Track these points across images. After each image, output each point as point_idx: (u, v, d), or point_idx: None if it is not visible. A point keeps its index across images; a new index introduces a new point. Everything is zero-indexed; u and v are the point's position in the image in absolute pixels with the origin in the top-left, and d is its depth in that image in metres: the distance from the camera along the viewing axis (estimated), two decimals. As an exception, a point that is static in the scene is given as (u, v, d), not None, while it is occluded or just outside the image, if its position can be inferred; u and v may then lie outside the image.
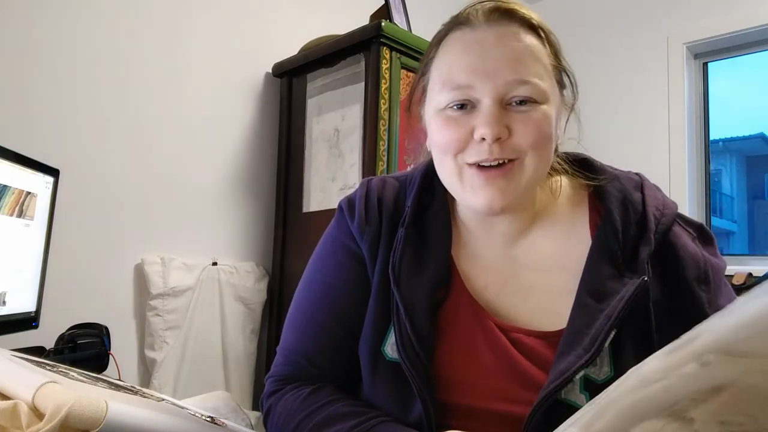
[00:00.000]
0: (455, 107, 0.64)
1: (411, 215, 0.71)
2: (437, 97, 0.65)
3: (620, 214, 0.66)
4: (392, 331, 0.66)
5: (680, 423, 0.35)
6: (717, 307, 0.63)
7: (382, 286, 0.69)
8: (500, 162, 0.62)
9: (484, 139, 0.61)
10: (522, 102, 0.62)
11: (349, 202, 0.75)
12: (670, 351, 0.36)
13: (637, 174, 0.72)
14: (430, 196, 0.74)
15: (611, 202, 0.67)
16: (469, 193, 0.65)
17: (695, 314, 0.63)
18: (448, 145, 0.64)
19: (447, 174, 0.67)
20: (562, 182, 0.73)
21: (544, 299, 0.67)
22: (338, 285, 0.73)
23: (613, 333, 0.59)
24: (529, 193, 0.67)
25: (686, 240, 0.67)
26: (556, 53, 0.66)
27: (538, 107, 0.62)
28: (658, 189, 0.71)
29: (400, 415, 0.64)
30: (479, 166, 0.63)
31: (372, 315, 0.69)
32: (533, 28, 0.64)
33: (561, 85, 0.68)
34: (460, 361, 0.65)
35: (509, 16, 0.63)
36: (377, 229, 0.71)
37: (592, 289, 0.63)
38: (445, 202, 0.73)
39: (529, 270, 0.69)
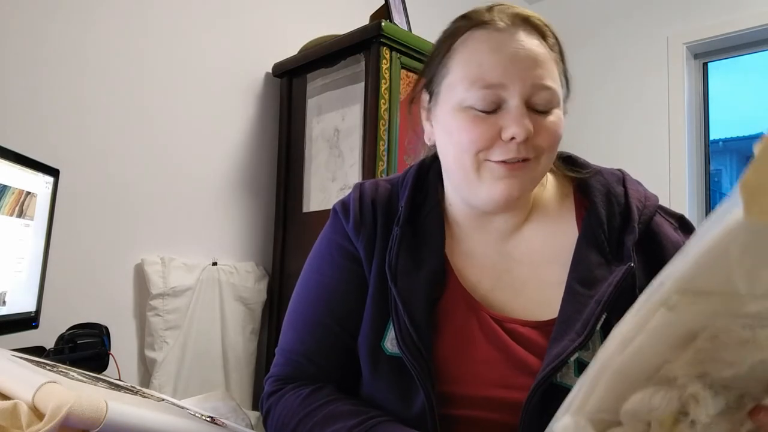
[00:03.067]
0: (481, 108, 0.65)
1: (405, 214, 0.72)
2: (462, 94, 0.66)
3: (604, 206, 0.70)
4: (391, 326, 0.67)
5: (667, 388, 0.36)
6: None
7: (379, 284, 0.70)
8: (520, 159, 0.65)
9: (513, 138, 0.63)
10: (542, 110, 0.65)
11: (344, 204, 0.77)
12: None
13: (618, 170, 0.76)
14: (422, 197, 0.76)
15: (595, 196, 0.71)
16: (486, 185, 0.66)
17: None
18: (473, 144, 0.65)
19: (462, 169, 0.68)
20: (549, 179, 0.76)
21: (536, 292, 0.69)
22: (335, 285, 0.74)
23: (604, 317, 0.62)
24: (534, 188, 0.71)
25: (668, 229, 0.70)
26: (563, 58, 0.70)
27: (555, 111, 0.66)
28: (639, 183, 0.74)
29: (402, 408, 0.66)
30: (503, 162, 0.65)
31: (370, 312, 0.70)
32: (547, 36, 0.68)
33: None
34: (458, 353, 0.66)
35: (529, 23, 0.66)
36: (372, 229, 0.73)
37: (581, 277, 0.65)
38: (438, 202, 0.75)
39: (522, 265, 0.71)
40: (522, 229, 0.73)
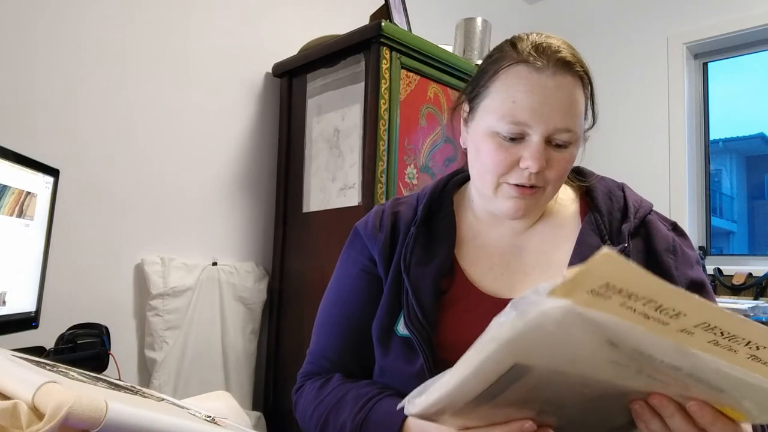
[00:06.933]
0: (507, 136, 0.74)
1: (422, 217, 0.83)
2: (493, 122, 0.74)
3: (606, 203, 0.82)
4: (403, 313, 0.77)
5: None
6: (683, 272, 0.77)
7: (396, 276, 0.81)
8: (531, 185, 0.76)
9: (527, 168, 0.73)
10: (560, 144, 0.75)
11: (364, 219, 0.88)
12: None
13: (621, 182, 0.87)
14: (438, 205, 0.87)
15: (598, 194, 0.83)
16: (499, 201, 0.77)
17: (665, 278, 0.77)
18: (496, 168, 0.75)
19: (483, 184, 0.78)
20: (561, 187, 0.86)
21: (542, 273, 0.79)
22: (348, 293, 0.86)
23: None
24: (541, 208, 0.83)
25: (660, 225, 0.81)
26: (592, 96, 0.80)
27: (570, 147, 0.76)
28: (636, 193, 0.86)
29: (405, 369, 0.76)
30: (516, 185, 0.76)
31: (386, 300, 0.80)
32: (582, 79, 0.76)
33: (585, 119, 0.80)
34: (460, 328, 0.76)
35: (569, 67, 0.73)
36: (390, 233, 0.83)
37: (582, 256, 0.76)
38: (452, 211, 0.86)
39: (531, 253, 0.82)
40: (534, 226, 0.83)
